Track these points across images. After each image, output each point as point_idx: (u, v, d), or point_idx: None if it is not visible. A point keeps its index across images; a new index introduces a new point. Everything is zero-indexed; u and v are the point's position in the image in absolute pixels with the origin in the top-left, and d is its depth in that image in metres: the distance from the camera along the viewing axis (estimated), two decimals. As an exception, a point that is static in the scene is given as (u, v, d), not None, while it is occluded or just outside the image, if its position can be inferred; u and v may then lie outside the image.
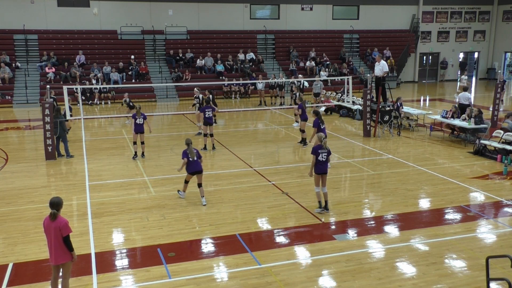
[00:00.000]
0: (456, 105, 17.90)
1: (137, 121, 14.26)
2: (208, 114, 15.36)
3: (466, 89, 19.32)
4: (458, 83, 36.19)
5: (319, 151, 9.83)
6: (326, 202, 10.18)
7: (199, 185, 10.72)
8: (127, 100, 21.79)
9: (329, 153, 9.99)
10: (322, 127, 13.35)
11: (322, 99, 24.55)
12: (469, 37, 38.01)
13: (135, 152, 14.52)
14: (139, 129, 14.29)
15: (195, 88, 19.37)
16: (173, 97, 27.73)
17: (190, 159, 10.42)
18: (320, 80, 25.43)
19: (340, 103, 22.69)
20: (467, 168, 13.64)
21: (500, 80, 20.32)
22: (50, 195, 10.92)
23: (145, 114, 14.57)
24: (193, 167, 10.51)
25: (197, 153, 10.59)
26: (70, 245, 6.52)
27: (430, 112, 20.65)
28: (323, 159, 9.89)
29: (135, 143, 14.46)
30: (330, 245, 8.70)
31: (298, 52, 32.46)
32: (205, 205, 10.65)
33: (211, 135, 15.62)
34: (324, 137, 10.02)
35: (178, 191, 11.16)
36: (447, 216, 10.18)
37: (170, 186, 12.02)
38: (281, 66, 31.65)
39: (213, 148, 15.63)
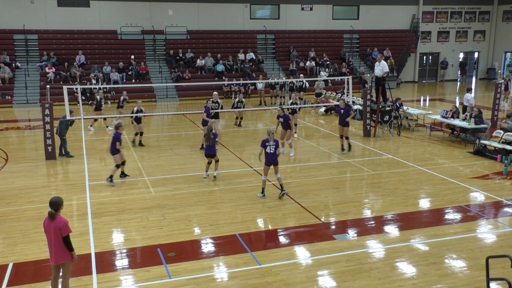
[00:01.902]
0: (457, 105, 17.89)
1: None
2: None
3: (469, 90, 19.36)
4: (458, 83, 36.19)
5: (266, 144, 10.74)
6: (281, 185, 11.04)
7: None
8: (122, 98, 19.07)
9: (277, 145, 10.79)
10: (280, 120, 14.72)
11: (323, 99, 24.57)
12: (469, 37, 37.99)
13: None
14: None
15: (214, 92, 18.90)
16: (173, 97, 27.73)
17: (268, 151, 10.93)
18: (322, 80, 25.45)
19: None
20: (467, 168, 13.64)
21: (506, 79, 20.24)
22: (50, 195, 10.91)
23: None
24: (269, 158, 10.92)
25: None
26: (70, 245, 6.52)
27: (430, 112, 20.65)
28: (271, 151, 10.73)
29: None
30: (330, 245, 8.70)
31: (298, 52, 32.46)
32: (215, 176, 12.25)
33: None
34: (272, 132, 10.79)
35: (204, 177, 12.51)
36: (447, 216, 10.18)
37: (170, 186, 12.03)
38: (281, 66, 31.65)
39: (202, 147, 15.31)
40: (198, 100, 26.94)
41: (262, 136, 18.37)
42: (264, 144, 10.80)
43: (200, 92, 28.17)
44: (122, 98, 19.17)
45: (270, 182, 12.26)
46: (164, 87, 27.48)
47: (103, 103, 19.31)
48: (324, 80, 29.01)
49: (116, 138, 11.96)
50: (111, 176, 12.15)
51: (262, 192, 11.14)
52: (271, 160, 10.82)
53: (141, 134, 16.26)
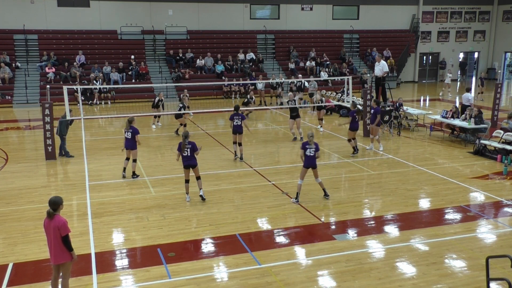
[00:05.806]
0: (457, 105, 17.90)
1: (126, 135, 12.52)
2: (237, 122, 14.19)
3: (468, 90, 19.37)
4: (458, 83, 36.21)
5: (307, 146, 10.64)
6: (324, 190, 11.03)
7: (197, 177, 10.92)
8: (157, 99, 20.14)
9: (316, 149, 10.66)
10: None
11: (322, 98, 24.49)
12: (469, 37, 38.00)
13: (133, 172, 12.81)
14: (127, 144, 12.55)
15: (290, 93, 19.45)
16: (173, 97, 27.68)
17: (184, 153, 10.66)
18: (314, 80, 25.37)
19: (340, 103, 22.68)
20: (467, 168, 13.64)
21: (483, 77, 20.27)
22: (50, 195, 10.88)
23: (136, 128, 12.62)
24: (185, 161, 10.75)
25: (191, 147, 10.62)
26: (69, 245, 6.51)
27: (430, 112, 20.65)
28: (311, 154, 10.60)
29: (127, 159, 12.77)
30: (330, 245, 8.70)
31: (298, 52, 32.46)
32: (203, 198, 10.82)
33: (239, 144, 14.37)
34: (311, 135, 10.70)
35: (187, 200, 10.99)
36: (447, 216, 10.18)
37: (170, 186, 12.03)
38: (281, 66, 31.64)
39: (241, 158, 14.30)
40: (198, 100, 26.95)
41: (262, 136, 18.47)
42: (304, 147, 10.65)
43: (200, 92, 28.18)
44: (182, 95, 20.76)
45: (270, 182, 12.27)
46: (164, 87, 27.47)
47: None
48: (324, 80, 29.06)
49: (135, 132, 12.41)
50: (134, 172, 12.68)
51: (296, 198, 10.77)
52: (310, 163, 10.62)
53: (185, 125, 17.77)
